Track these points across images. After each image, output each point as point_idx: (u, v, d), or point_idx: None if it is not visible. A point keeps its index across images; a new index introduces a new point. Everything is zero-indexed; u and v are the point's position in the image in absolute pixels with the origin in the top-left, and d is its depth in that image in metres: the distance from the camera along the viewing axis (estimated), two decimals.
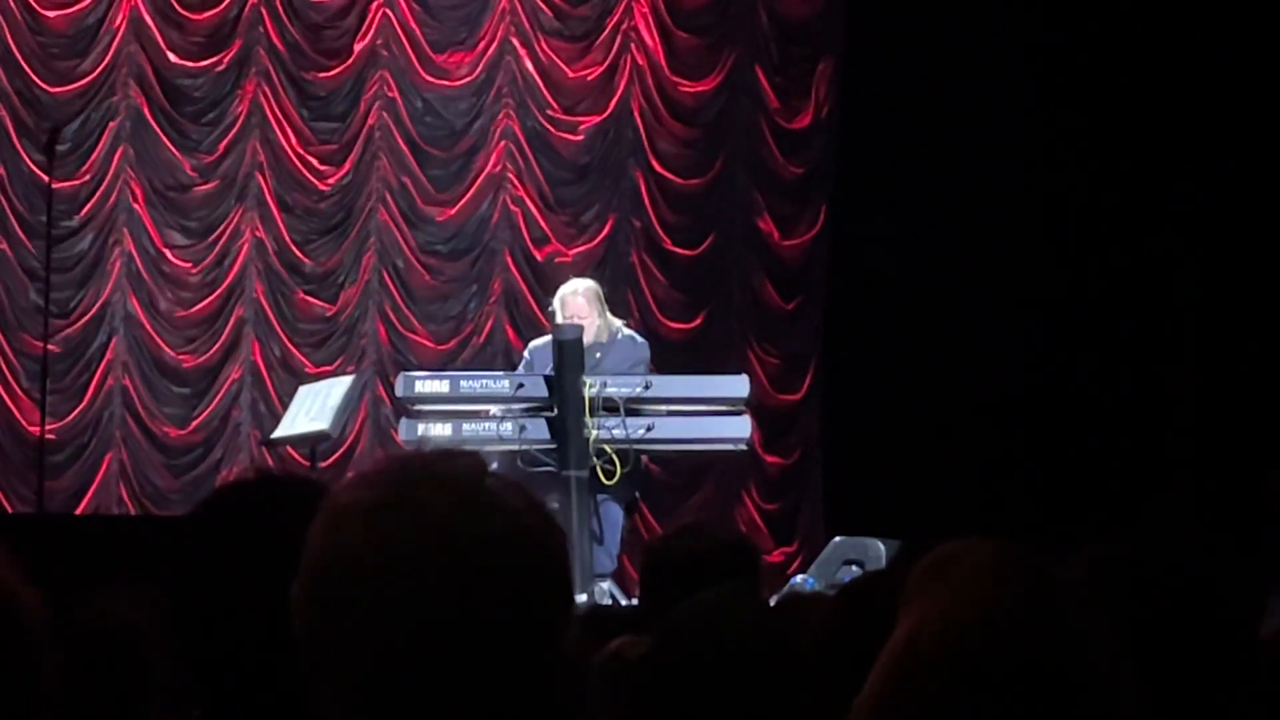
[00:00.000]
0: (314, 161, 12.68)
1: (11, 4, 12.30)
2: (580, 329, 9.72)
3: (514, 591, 1.80)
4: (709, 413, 10.08)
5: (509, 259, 12.85)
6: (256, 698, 2.45)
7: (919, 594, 1.88)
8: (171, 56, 12.50)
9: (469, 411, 9.88)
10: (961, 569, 1.87)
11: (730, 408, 10.09)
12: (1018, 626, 1.82)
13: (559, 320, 9.96)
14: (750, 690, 3.14)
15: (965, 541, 1.95)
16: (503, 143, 12.88)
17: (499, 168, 12.87)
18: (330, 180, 12.70)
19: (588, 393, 9.48)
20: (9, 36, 12.31)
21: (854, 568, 9.61)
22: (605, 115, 12.99)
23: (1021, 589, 1.85)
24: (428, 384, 9.80)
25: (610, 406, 9.54)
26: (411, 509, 1.82)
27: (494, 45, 12.88)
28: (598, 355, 9.91)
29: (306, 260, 12.65)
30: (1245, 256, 12.12)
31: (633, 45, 13.04)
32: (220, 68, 12.58)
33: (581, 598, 8.90)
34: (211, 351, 12.49)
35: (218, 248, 12.54)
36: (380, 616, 1.78)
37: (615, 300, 12.11)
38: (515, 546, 1.82)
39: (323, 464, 11.75)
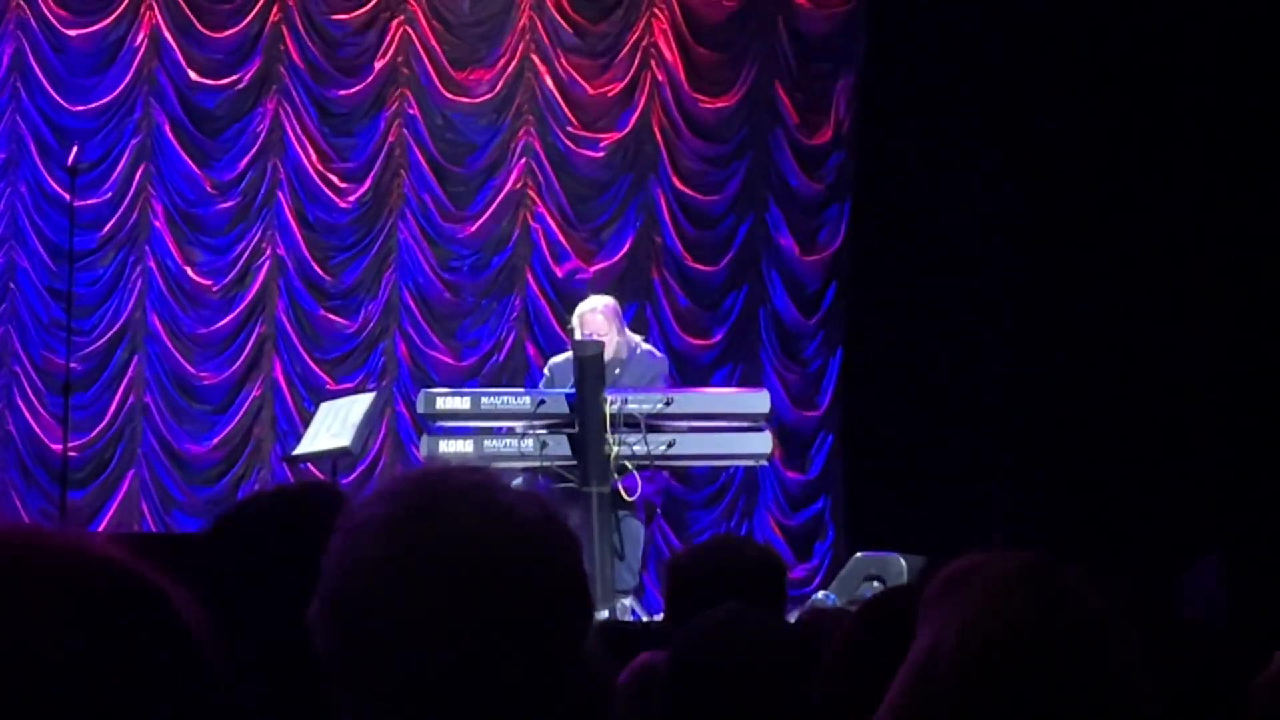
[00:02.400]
0: (334, 179, 12.71)
1: (33, 22, 12.35)
2: (601, 345, 9.71)
3: (532, 602, 1.81)
4: (730, 428, 10.07)
5: (529, 276, 12.86)
6: (279, 712, 2.46)
7: (938, 607, 1.88)
8: (192, 74, 12.54)
9: (490, 428, 9.88)
10: (980, 582, 1.87)
11: (751, 423, 10.07)
12: (1037, 639, 1.82)
13: (578, 337, 9.96)
14: (763, 704, 3.13)
15: (984, 555, 1.95)
16: (523, 159, 12.90)
17: (519, 184, 12.89)
18: (351, 197, 12.72)
19: (608, 409, 9.47)
20: (30, 55, 12.35)
21: (875, 583, 9.59)
22: (625, 132, 13.01)
23: (1040, 602, 1.84)
24: (449, 400, 9.79)
25: (631, 422, 9.53)
26: (428, 523, 1.82)
27: (514, 62, 12.90)
28: (616, 371, 9.91)
29: (327, 277, 12.67)
30: (1262, 266, 12.10)
31: (653, 61, 13.06)
32: (241, 85, 12.62)
33: (603, 614, 8.88)
34: (233, 369, 12.52)
35: (239, 265, 12.57)
36: (400, 630, 1.78)
37: (635, 316, 12.14)
38: (532, 557, 1.82)
39: (344, 480, 11.77)
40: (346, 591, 1.83)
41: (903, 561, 9.88)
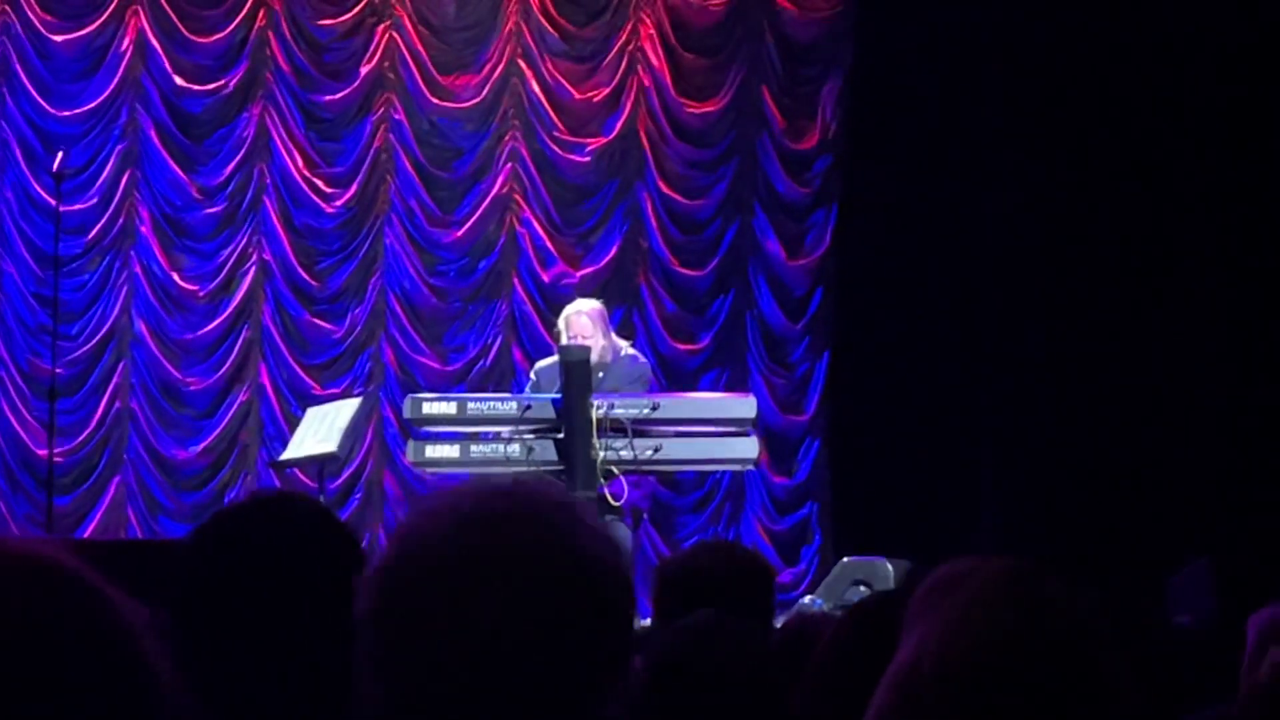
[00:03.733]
0: (320, 184, 12.69)
1: (18, 27, 12.33)
2: (587, 350, 9.70)
3: (579, 644, 1.83)
4: (716, 433, 10.06)
5: (515, 281, 12.86)
6: (258, 716, 2.45)
7: (922, 615, 1.88)
8: (178, 79, 12.52)
9: (476, 433, 9.87)
10: (963, 591, 1.87)
11: (737, 428, 10.06)
12: (1020, 646, 1.82)
13: (564, 340, 9.95)
14: (735, 713, 3.13)
15: (968, 562, 1.95)
16: (509, 164, 12.89)
17: (505, 189, 12.89)
18: (337, 203, 12.71)
19: (595, 414, 9.46)
20: (16, 60, 12.34)
21: (862, 588, 9.60)
22: (612, 137, 13.00)
23: (1024, 609, 1.84)
24: (435, 405, 9.77)
25: (618, 427, 9.51)
26: (499, 539, 1.84)
27: (500, 67, 12.90)
28: (600, 375, 9.89)
29: (313, 282, 12.66)
30: (1253, 271, 12.12)
31: (639, 66, 13.05)
32: (227, 90, 12.60)
33: None
34: (219, 374, 12.50)
35: (225, 270, 12.55)
36: (447, 640, 1.80)
37: (622, 321, 12.13)
38: (590, 596, 1.85)
39: (330, 485, 11.76)
40: (403, 593, 1.84)
41: (889, 566, 9.89)
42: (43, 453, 11.49)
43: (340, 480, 12.19)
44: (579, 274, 12.85)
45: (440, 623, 1.80)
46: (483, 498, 1.89)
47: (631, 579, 1.91)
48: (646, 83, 13.06)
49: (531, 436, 9.63)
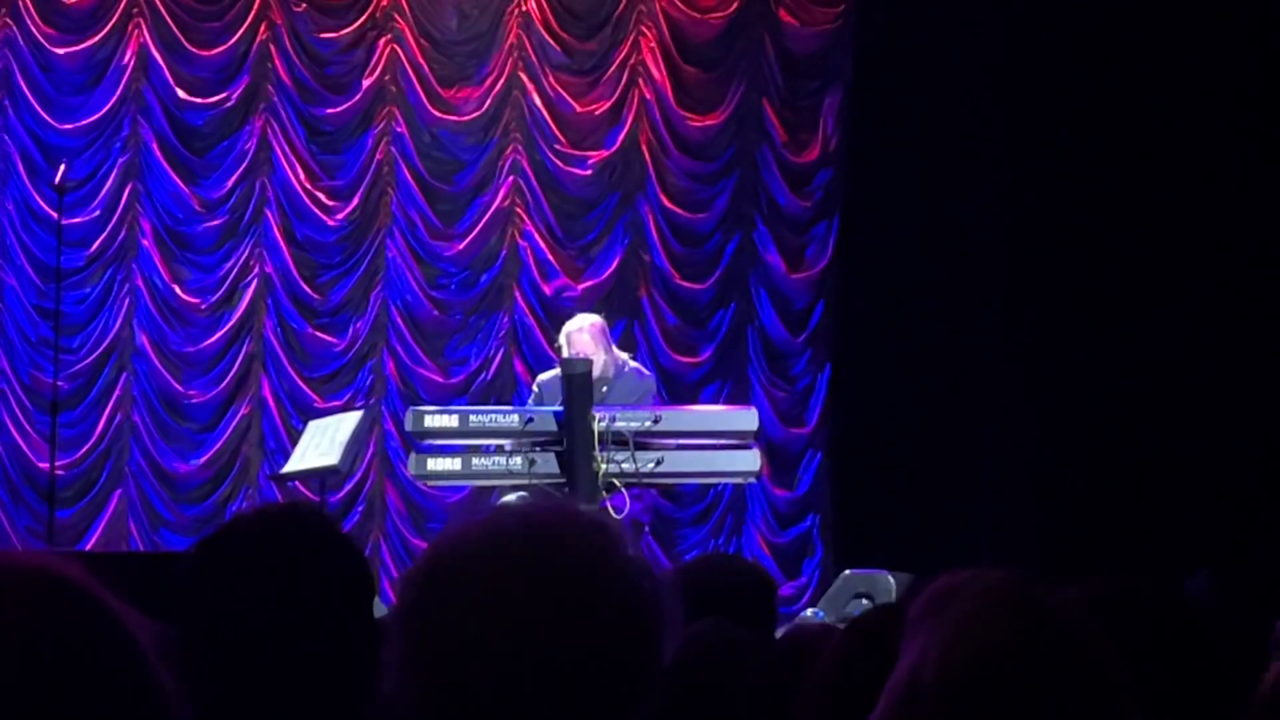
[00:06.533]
0: (322, 197, 12.70)
1: (21, 40, 12.35)
2: (589, 363, 9.71)
3: (625, 640, 1.84)
4: (718, 446, 10.06)
5: (517, 293, 12.86)
6: None
7: (921, 626, 1.89)
8: (180, 92, 12.53)
9: (478, 445, 9.87)
10: (962, 602, 1.87)
11: (739, 441, 10.07)
12: (1018, 658, 1.82)
13: (565, 356, 9.96)
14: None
15: (966, 574, 1.95)
16: (511, 177, 12.90)
17: (507, 202, 12.89)
18: (339, 215, 12.72)
19: (597, 426, 9.46)
20: (18, 73, 12.35)
21: (864, 601, 9.59)
22: (613, 150, 13.01)
23: (1021, 621, 1.85)
24: (437, 418, 9.77)
25: (619, 440, 9.52)
26: (539, 562, 1.86)
27: (502, 80, 12.91)
28: (604, 389, 9.90)
29: (315, 295, 12.66)
30: (1265, 271, 12.11)
31: (640, 79, 13.06)
32: (229, 103, 12.61)
33: None
34: (221, 387, 12.50)
35: (227, 283, 12.56)
36: (474, 653, 1.81)
37: (623, 334, 12.13)
38: (632, 600, 1.86)
39: (332, 499, 11.76)
40: (434, 595, 1.85)
41: (891, 579, 9.88)
42: (44, 466, 11.49)
43: (342, 493, 12.19)
44: (580, 287, 12.86)
45: (467, 628, 1.82)
46: (525, 514, 1.91)
47: (663, 607, 1.92)
48: (648, 96, 13.07)
49: (533, 449, 9.64)
